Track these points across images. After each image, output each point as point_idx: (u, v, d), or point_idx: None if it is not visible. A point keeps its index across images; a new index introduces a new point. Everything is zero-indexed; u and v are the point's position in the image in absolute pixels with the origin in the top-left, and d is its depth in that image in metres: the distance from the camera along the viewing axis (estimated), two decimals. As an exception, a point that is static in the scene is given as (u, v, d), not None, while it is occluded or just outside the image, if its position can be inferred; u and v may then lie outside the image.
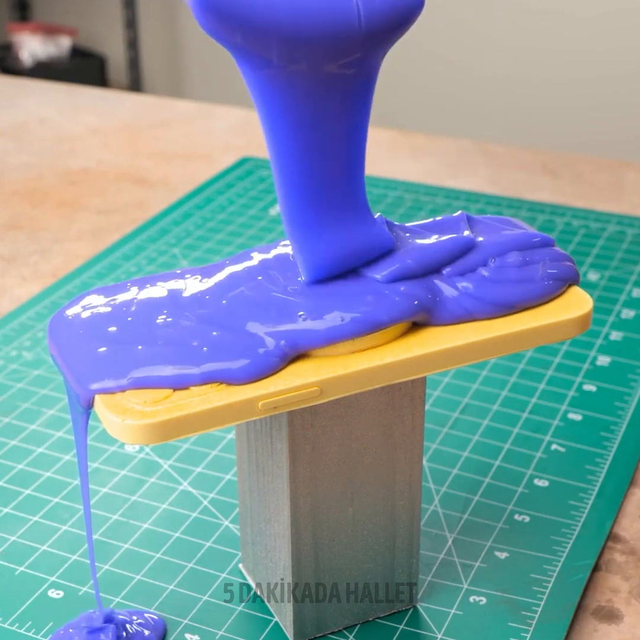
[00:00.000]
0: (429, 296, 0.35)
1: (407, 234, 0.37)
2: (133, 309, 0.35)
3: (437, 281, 0.35)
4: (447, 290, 0.35)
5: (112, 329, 0.34)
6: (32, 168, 0.78)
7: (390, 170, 0.77)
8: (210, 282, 0.36)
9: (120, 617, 0.38)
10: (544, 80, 1.81)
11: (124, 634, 0.37)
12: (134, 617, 0.38)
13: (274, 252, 0.37)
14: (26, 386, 0.52)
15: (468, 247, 0.36)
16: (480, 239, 0.37)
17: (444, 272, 0.35)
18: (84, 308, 0.35)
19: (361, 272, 0.35)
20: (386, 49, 0.31)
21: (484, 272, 0.36)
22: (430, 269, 0.35)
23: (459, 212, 0.38)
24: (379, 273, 0.35)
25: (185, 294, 0.35)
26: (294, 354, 0.33)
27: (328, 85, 0.31)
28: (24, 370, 0.53)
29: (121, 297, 0.36)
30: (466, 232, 0.37)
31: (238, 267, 0.36)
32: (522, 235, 0.37)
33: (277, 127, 0.32)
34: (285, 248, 0.37)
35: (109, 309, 0.35)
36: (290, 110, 0.31)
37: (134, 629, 0.38)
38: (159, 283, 0.36)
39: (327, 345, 0.33)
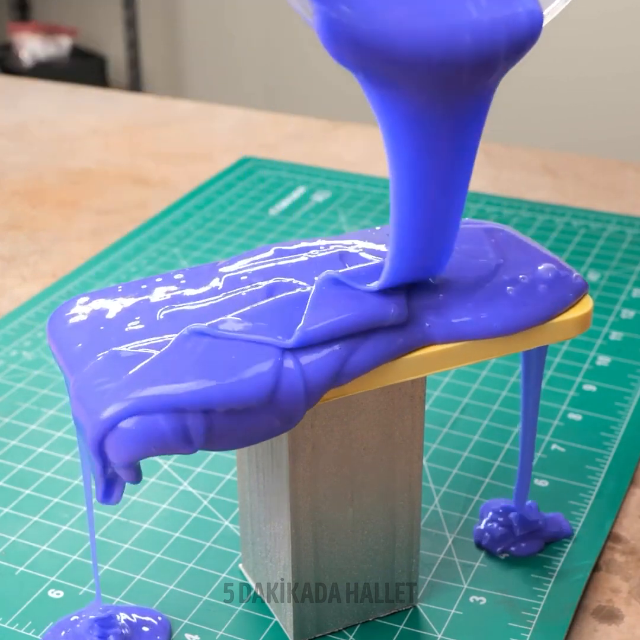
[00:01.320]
0: (450, 329, 0.35)
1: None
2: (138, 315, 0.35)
3: (462, 314, 0.35)
4: (466, 319, 0.35)
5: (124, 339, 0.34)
6: (32, 168, 0.78)
7: (390, 170, 0.77)
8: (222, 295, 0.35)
9: (125, 618, 0.38)
10: (544, 80, 1.81)
11: (129, 633, 0.37)
12: (138, 616, 0.38)
13: (281, 259, 0.37)
14: (26, 386, 0.52)
15: (494, 273, 0.36)
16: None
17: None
18: (88, 311, 0.35)
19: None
20: (502, 74, 0.32)
21: (510, 290, 0.36)
22: (459, 299, 0.35)
23: (479, 225, 0.39)
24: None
25: (193, 304, 0.35)
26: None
27: (445, 107, 0.32)
28: (24, 370, 0.53)
29: (129, 302, 0.36)
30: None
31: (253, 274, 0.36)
32: (539, 253, 0.38)
33: (398, 145, 0.32)
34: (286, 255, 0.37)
35: (118, 312, 0.35)
36: (410, 131, 0.32)
37: (140, 630, 0.38)
38: (161, 287, 0.36)
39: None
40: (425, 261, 0.35)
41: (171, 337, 0.33)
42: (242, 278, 0.36)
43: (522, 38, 0.31)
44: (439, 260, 0.35)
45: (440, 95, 0.31)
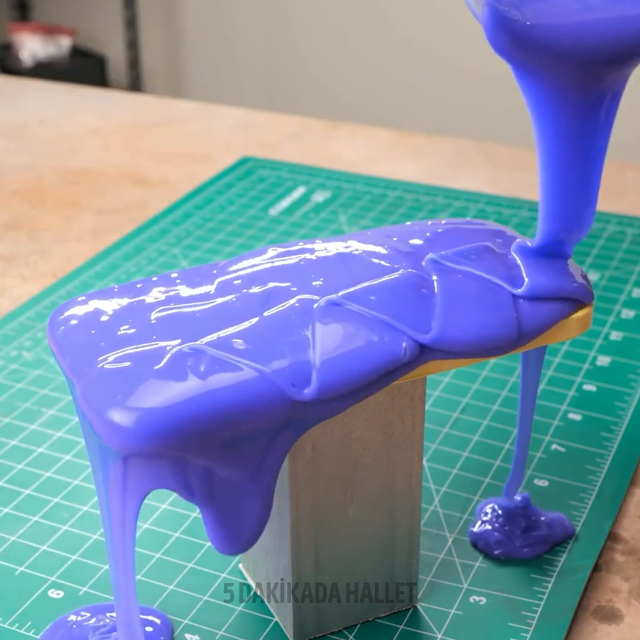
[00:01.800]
0: (458, 348, 0.34)
1: (460, 276, 0.36)
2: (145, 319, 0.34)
3: (469, 331, 0.35)
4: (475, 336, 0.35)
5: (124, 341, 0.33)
6: (32, 168, 0.78)
7: (390, 170, 0.77)
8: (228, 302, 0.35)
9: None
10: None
11: None
12: (141, 616, 0.38)
13: (279, 261, 0.37)
14: (26, 386, 0.52)
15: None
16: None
17: None
18: (88, 312, 0.35)
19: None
20: (635, 65, 0.35)
21: (522, 301, 0.36)
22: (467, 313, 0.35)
23: (480, 226, 0.39)
24: (427, 334, 0.34)
25: (204, 306, 0.35)
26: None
27: (586, 98, 0.35)
28: (24, 370, 0.53)
29: (129, 302, 0.35)
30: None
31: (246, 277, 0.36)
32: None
33: (545, 129, 0.36)
34: (283, 257, 0.37)
35: (118, 314, 0.35)
36: (557, 115, 0.36)
37: (143, 630, 0.38)
38: (161, 288, 0.36)
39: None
40: (574, 216, 0.37)
41: (166, 344, 0.33)
42: (237, 282, 0.35)
43: None
44: (586, 217, 0.37)
45: (586, 83, 0.35)
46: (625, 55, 0.34)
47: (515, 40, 0.33)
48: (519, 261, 0.37)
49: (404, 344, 0.33)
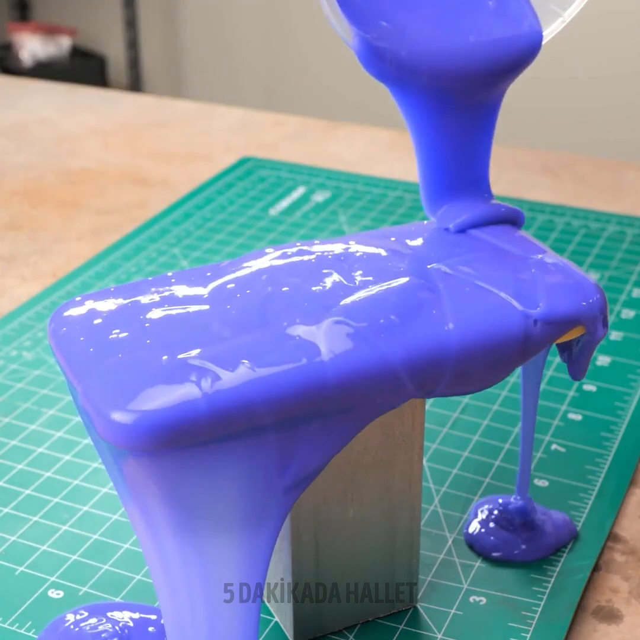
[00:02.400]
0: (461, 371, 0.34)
1: (468, 289, 0.35)
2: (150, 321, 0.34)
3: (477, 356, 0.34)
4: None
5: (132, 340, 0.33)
6: (32, 168, 0.78)
7: (390, 170, 0.77)
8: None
9: (130, 616, 0.38)
10: (544, 80, 1.81)
11: (134, 632, 0.37)
12: (142, 614, 0.38)
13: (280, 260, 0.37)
14: (26, 386, 0.52)
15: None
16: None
17: None
18: (89, 313, 0.35)
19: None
20: (507, 85, 0.38)
21: (533, 321, 0.35)
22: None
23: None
24: (432, 392, 0.34)
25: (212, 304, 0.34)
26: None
27: (461, 108, 0.38)
28: (24, 370, 0.53)
29: (137, 301, 0.35)
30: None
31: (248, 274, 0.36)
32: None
33: (423, 139, 0.39)
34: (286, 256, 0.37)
35: (126, 316, 0.34)
36: (434, 129, 0.39)
37: (145, 630, 0.38)
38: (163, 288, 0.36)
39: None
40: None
41: (163, 347, 0.32)
42: (234, 285, 0.35)
43: (522, 56, 0.37)
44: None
45: (462, 99, 0.37)
46: (499, 74, 0.37)
47: (388, 66, 0.36)
48: (532, 270, 0.36)
49: (406, 401, 0.33)
